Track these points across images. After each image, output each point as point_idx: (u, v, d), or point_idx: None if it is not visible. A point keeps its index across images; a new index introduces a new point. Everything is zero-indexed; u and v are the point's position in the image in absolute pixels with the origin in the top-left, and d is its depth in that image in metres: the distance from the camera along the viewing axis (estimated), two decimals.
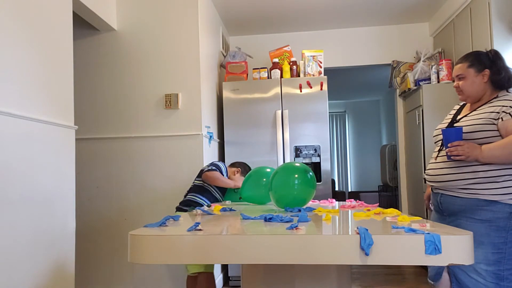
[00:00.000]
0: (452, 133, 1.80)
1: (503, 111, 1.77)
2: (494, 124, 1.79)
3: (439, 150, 1.97)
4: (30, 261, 1.92)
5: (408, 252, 0.98)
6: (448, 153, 1.80)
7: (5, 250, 1.75)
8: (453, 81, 1.99)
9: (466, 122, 1.86)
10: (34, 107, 2.00)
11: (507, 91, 1.89)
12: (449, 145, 1.79)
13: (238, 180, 2.72)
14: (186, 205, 2.57)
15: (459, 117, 1.96)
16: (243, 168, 2.84)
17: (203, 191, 2.65)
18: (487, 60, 1.90)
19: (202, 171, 2.68)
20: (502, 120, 1.77)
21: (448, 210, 1.91)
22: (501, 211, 1.76)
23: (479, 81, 1.90)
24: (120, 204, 3.14)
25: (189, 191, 2.70)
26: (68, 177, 2.30)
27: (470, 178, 1.81)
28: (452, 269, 1.88)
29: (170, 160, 3.10)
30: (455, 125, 1.92)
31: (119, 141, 3.16)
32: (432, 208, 2.12)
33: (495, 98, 1.87)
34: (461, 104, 2.08)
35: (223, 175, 2.68)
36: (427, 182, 2.04)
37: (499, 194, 1.77)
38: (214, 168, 2.65)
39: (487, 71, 1.89)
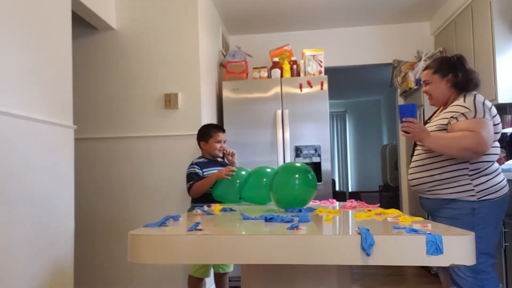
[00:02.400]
0: (407, 109, 1.88)
1: (451, 117, 1.90)
2: (445, 130, 1.93)
3: (412, 154, 2.11)
4: (29, 261, 1.92)
5: (410, 253, 0.97)
6: (402, 128, 1.91)
7: (4, 250, 1.74)
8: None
9: (432, 127, 1.99)
10: (32, 107, 1.99)
11: (464, 96, 1.96)
12: (403, 119, 1.87)
13: (210, 148, 2.64)
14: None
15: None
16: (205, 133, 2.69)
17: (199, 199, 2.55)
18: (450, 65, 2.01)
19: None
20: (450, 124, 1.91)
21: (427, 211, 2.13)
22: (463, 208, 1.88)
23: (444, 86, 2.01)
24: (120, 204, 3.13)
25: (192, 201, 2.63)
26: (67, 177, 2.29)
27: (430, 182, 1.96)
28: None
29: (170, 160, 3.09)
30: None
31: (118, 141, 3.15)
32: None
33: (453, 103, 1.97)
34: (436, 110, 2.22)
35: (199, 174, 2.57)
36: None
37: (456, 193, 1.90)
38: (189, 184, 2.54)
39: (450, 76, 1.99)
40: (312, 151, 3.59)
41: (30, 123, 1.95)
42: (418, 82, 3.84)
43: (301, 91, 3.60)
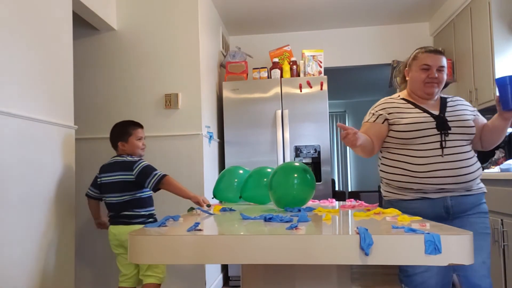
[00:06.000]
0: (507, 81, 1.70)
1: (475, 111, 1.92)
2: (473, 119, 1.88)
3: (444, 146, 1.75)
4: (30, 261, 1.92)
5: (408, 252, 0.98)
6: None
7: (5, 250, 1.75)
8: (424, 70, 1.85)
9: (461, 116, 1.83)
10: (34, 107, 2.00)
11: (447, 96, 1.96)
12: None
13: (131, 147, 2.40)
14: (148, 217, 2.39)
15: (434, 112, 1.83)
16: (123, 131, 2.41)
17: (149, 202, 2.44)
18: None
19: (142, 181, 2.31)
20: (478, 116, 1.90)
21: (458, 211, 1.78)
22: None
23: None
24: None
25: (130, 207, 2.35)
26: (68, 177, 2.30)
27: (477, 175, 1.78)
28: (464, 277, 1.77)
29: (170, 160, 3.10)
30: (448, 118, 1.80)
31: None
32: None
33: (448, 98, 1.91)
34: (400, 98, 1.97)
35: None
36: (426, 185, 1.75)
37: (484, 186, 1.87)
38: (162, 174, 2.31)
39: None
40: (312, 151, 3.60)
41: (31, 124, 1.96)
42: None
43: (300, 91, 3.61)
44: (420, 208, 1.76)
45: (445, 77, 1.86)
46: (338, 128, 8.16)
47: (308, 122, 3.60)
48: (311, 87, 3.60)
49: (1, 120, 1.75)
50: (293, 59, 3.81)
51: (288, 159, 3.59)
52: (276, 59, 3.79)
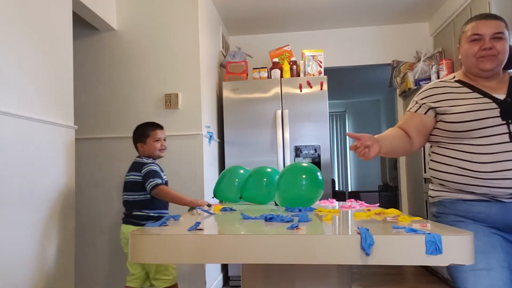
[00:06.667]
0: None
1: None
2: None
3: None
4: (30, 261, 1.92)
5: (409, 252, 0.98)
6: None
7: (5, 250, 1.75)
8: (475, 42, 1.50)
9: None
10: (34, 107, 2.00)
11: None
12: None
13: (150, 148, 2.43)
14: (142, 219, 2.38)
15: (499, 96, 1.47)
16: (141, 133, 2.46)
17: (159, 204, 2.42)
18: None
19: (144, 183, 2.33)
20: None
21: None
22: None
23: (507, 49, 1.50)
24: (120, 204, 3.12)
25: (136, 207, 2.38)
26: (68, 177, 2.30)
27: None
28: None
29: (170, 160, 3.09)
30: None
31: (119, 141, 3.15)
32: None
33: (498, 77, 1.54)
34: (454, 81, 1.59)
35: (162, 175, 2.40)
36: (494, 189, 1.40)
37: None
38: (155, 183, 2.30)
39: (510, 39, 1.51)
40: (312, 151, 3.60)
41: (31, 123, 1.96)
42: (417, 82, 3.85)
43: (301, 91, 3.61)
44: (486, 213, 1.44)
45: (506, 46, 1.49)
46: (338, 128, 8.21)
47: (308, 122, 3.60)
48: (311, 87, 3.60)
49: (1, 120, 1.75)
50: (293, 59, 3.81)
51: (288, 159, 3.59)
52: (276, 59, 3.79)
